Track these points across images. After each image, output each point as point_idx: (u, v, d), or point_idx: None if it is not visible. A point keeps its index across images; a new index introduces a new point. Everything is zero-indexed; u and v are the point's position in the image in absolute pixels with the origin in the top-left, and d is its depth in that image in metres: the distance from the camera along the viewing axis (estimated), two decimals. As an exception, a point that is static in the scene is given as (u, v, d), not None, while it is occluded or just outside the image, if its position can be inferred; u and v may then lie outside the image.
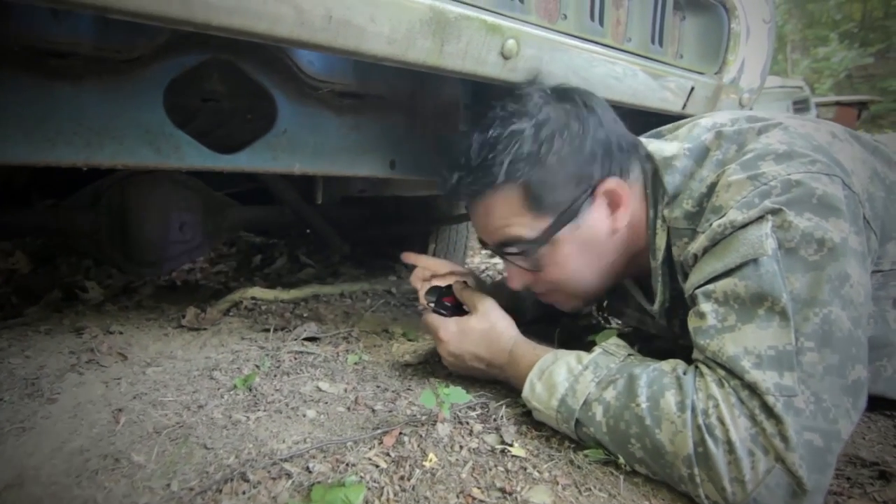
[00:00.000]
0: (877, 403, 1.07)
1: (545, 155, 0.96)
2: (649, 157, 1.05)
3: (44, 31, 0.82)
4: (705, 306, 0.83)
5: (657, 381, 0.82)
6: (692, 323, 0.86)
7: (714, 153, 0.97)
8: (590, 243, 1.02)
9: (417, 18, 0.82)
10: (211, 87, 1.08)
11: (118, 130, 0.89)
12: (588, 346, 0.98)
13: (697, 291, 0.86)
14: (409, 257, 1.37)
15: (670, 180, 0.98)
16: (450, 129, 1.21)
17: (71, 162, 0.86)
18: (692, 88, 1.39)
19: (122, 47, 0.87)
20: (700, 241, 0.88)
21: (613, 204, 1.02)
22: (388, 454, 0.87)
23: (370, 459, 0.85)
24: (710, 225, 0.87)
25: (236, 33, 0.69)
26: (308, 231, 2.97)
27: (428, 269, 1.33)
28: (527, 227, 1.00)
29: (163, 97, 0.94)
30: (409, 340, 1.47)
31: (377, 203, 2.60)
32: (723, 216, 0.85)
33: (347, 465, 0.83)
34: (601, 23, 1.16)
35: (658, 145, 1.05)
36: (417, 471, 0.82)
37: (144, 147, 0.92)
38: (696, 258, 0.90)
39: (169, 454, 0.86)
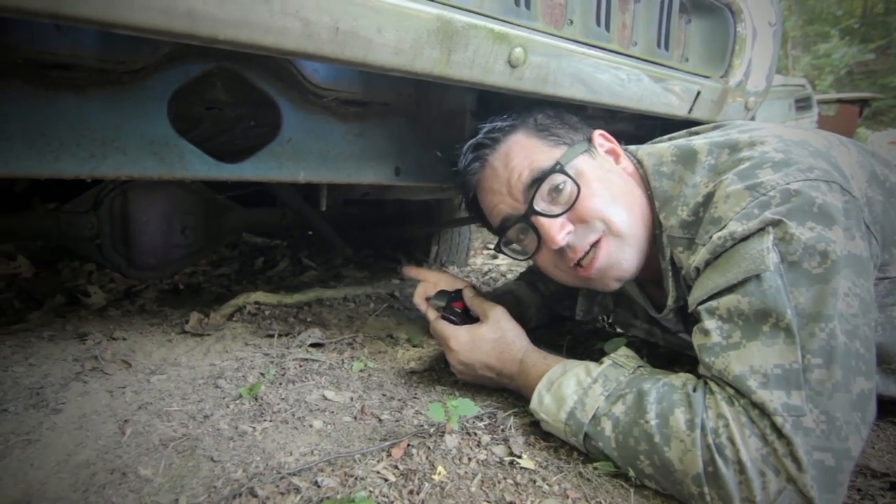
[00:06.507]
0: (887, 410, 1.06)
1: (537, 110, 1.12)
2: (640, 162, 1.09)
3: (47, 44, 0.82)
4: (709, 323, 0.82)
5: (666, 397, 0.81)
6: (697, 340, 0.85)
7: (704, 158, 0.96)
8: (609, 174, 1.06)
9: (425, 28, 0.81)
10: (214, 96, 1.07)
11: (122, 141, 0.88)
12: (596, 353, 0.97)
13: (701, 308, 0.85)
14: (411, 272, 1.36)
15: (657, 185, 1.02)
16: (455, 135, 1.20)
17: (75, 174, 0.85)
18: (698, 92, 1.38)
19: (125, 58, 0.87)
20: (701, 255, 0.87)
21: (613, 153, 1.11)
22: (396, 467, 0.86)
23: (379, 473, 0.85)
24: (711, 237, 0.86)
25: (243, 47, 0.68)
26: (310, 233, 2.96)
27: (431, 285, 1.32)
28: (546, 154, 1.06)
29: (167, 107, 0.94)
30: (414, 346, 1.47)
31: (380, 205, 2.59)
32: (723, 228, 0.85)
33: (356, 478, 0.83)
34: (607, 27, 1.15)
35: (647, 150, 1.10)
36: (426, 484, 0.82)
37: (148, 158, 0.91)
38: (698, 272, 0.89)
39: (176, 467, 0.86)
